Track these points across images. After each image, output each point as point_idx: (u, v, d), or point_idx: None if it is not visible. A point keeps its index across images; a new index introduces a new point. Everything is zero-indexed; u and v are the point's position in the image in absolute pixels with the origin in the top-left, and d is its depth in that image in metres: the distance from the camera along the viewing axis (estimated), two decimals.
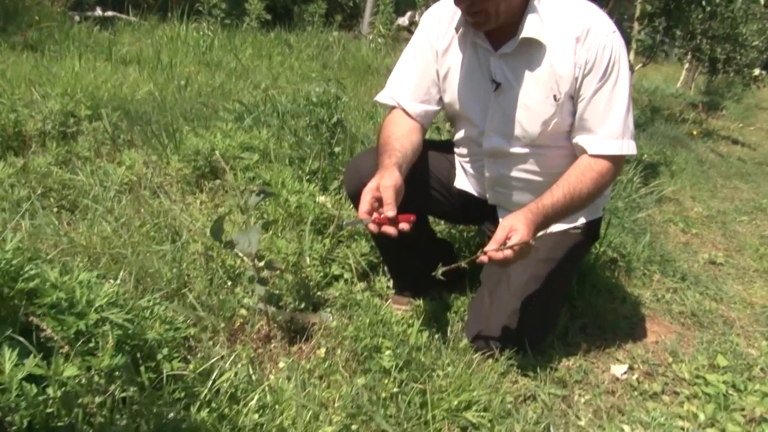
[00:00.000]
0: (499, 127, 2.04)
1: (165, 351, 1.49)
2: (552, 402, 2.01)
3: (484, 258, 1.73)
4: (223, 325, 1.90)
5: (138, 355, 1.46)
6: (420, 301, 2.34)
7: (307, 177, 2.91)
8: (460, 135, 2.19)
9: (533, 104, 1.95)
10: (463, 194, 2.29)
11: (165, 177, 3.02)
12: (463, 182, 2.28)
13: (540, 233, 1.86)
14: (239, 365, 1.74)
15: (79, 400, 1.25)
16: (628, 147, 1.95)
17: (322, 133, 2.97)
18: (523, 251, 1.75)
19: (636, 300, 2.83)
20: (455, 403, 1.79)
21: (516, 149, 2.05)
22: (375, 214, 1.73)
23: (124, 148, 3.12)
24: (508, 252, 1.71)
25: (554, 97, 1.93)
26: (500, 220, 2.21)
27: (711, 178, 5.96)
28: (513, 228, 1.74)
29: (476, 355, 2.07)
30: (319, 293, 2.27)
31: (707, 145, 7.82)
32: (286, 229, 2.56)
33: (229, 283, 2.15)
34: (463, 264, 1.75)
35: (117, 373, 1.30)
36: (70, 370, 1.24)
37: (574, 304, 2.60)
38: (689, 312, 2.80)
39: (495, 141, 2.07)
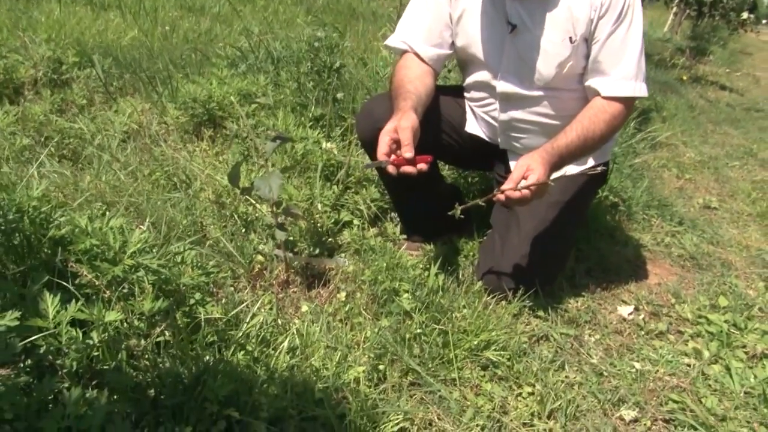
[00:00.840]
0: (513, 69, 2.02)
1: (198, 296, 1.48)
2: (564, 341, 2.05)
3: (501, 197, 1.74)
4: (242, 270, 1.90)
5: (171, 299, 1.45)
6: (431, 246, 2.36)
7: (311, 124, 2.86)
8: (472, 79, 2.17)
9: (549, 46, 1.94)
10: (474, 139, 2.29)
11: (163, 126, 2.96)
12: (474, 127, 2.28)
13: (555, 174, 1.87)
14: (264, 310, 1.75)
15: (123, 344, 1.24)
16: (640, 89, 1.96)
17: (324, 79, 2.91)
18: (540, 191, 1.76)
19: (637, 243, 2.88)
20: (475, 342, 1.83)
21: (530, 92, 2.05)
22: (393, 156, 1.73)
23: (117, 96, 3.03)
24: (525, 191, 1.72)
25: (570, 39, 1.91)
26: (511, 164, 2.24)
27: (701, 123, 6.00)
28: (530, 167, 1.74)
29: (489, 297, 2.11)
30: (332, 239, 2.27)
31: (696, 90, 7.86)
32: (293, 177, 2.54)
33: (244, 230, 2.14)
34: (481, 202, 1.77)
35: (157, 317, 1.30)
36: (113, 315, 1.24)
37: (579, 247, 2.64)
38: (688, 255, 2.85)
39: (509, 84, 2.05)
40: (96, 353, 1.19)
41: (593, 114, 1.93)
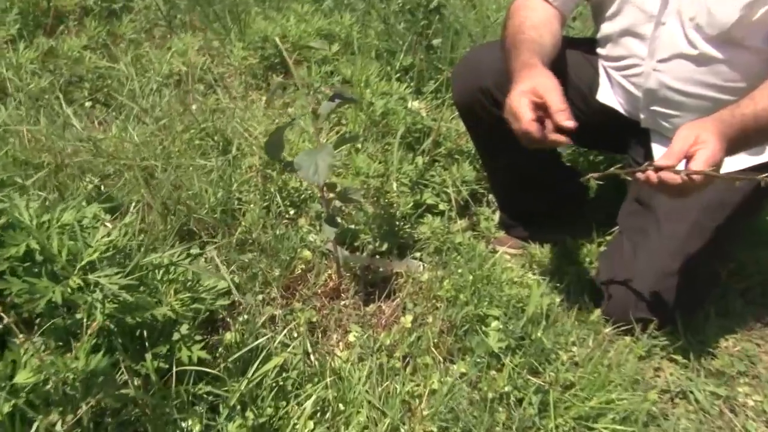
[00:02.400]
0: (676, 11, 1.43)
1: (184, 329, 1.02)
2: (710, 404, 1.50)
3: (652, 176, 1.18)
4: (277, 272, 1.42)
5: (145, 333, 0.99)
6: (535, 247, 1.81)
7: (397, 75, 2.36)
8: (613, 28, 1.59)
9: None
10: (607, 111, 1.71)
11: (227, 68, 2.52)
12: (608, 95, 1.69)
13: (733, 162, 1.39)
14: (296, 333, 1.27)
15: (37, 420, 0.80)
16: None
17: (418, 19, 2.37)
18: (707, 178, 1.18)
19: None
20: (587, 408, 1.30)
21: (695, 48, 1.44)
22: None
23: (180, 31, 2.61)
24: (692, 177, 1.15)
25: None
26: (654, 148, 1.68)
27: None
28: (699, 140, 1.18)
29: (609, 328, 1.59)
30: (407, 230, 1.75)
31: None
32: (368, 143, 2.03)
33: (292, 212, 1.66)
34: (623, 174, 1.23)
35: (97, 378, 0.84)
36: (23, 375, 0.80)
37: (732, 254, 1.99)
38: None
39: (668, 33, 1.46)
40: None
41: None
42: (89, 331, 0.88)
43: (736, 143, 1.28)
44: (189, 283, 1.04)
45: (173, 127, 1.75)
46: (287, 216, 1.66)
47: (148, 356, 0.97)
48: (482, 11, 3.09)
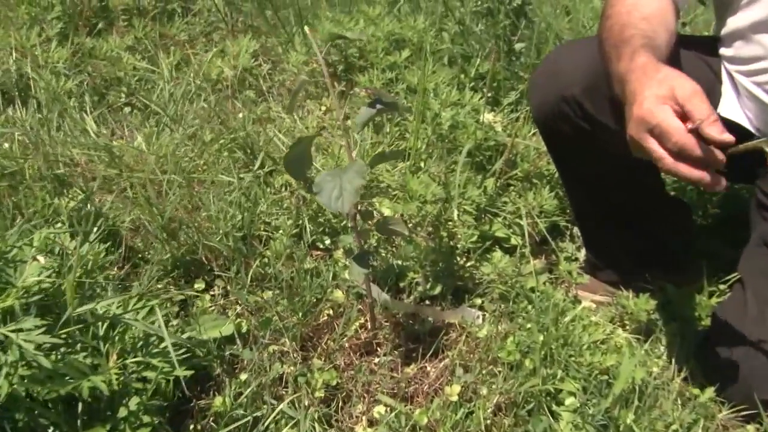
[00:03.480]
0: None
1: (133, 403, 0.75)
2: None
3: None
4: (295, 320, 1.14)
5: (80, 409, 0.74)
6: (628, 295, 1.46)
7: (472, 84, 2.07)
8: (745, 20, 1.26)
9: None
10: (729, 128, 1.33)
11: (287, 74, 2.32)
12: (734, 108, 1.35)
13: None
14: (311, 404, 0.99)
15: None
16: None
17: (499, 21, 2.07)
18: None
19: None
20: None
21: None
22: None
23: (241, 35, 2.43)
24: None
25: None
26: None
27: None
28: None
29: (725, 412, 1.24)
30: (467, 270, 1.44)
31: None
32: (432, 160, 1.73)
33: (327, 242, 1.39)
34: None
35: None
36: None
37: None
38: None
39: None
40: None
41: None
42: None
43: None
44: (144, 341, 0.78)
45: (202, 137, 1.53)
46: (321, 247, 1.39)
47: None
48: (576, 18, 2.79)
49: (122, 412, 0.75)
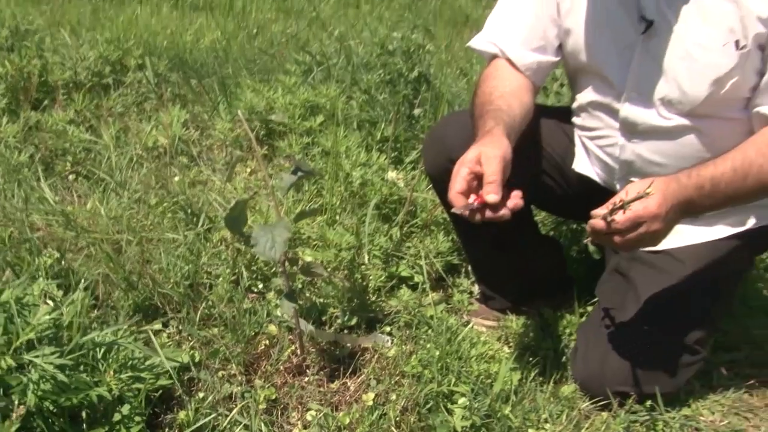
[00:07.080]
0: (645, 86, 1.44)
1: (126, 409, 0.99)
2: None
3: (598, 224, 1.23)
4: (239, 350, 1.40)
5: (84, 415, 0.97)
6: (512, 318, 1.78)
7: (378, 146, 2.37)
8: (584, 98, 1.59)
9: (701, 53, 1.35)
10: (584, 181, 1.70)
11: (213, 140, 2.56)
12: (585, 165, 1.69)
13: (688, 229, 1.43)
14: (254, 413, 1.24)
15: None
16: None
17: (399, 90, 2.40)
18: (646, 236, 1.23)
19: None
20: None
21: (666, 120, 1.45)
22: (473, 197, 1.25)
23: (170, 104, 2.66)
24: (621, 220, 1.19)
25: (736, 44, 1.32)
26: None
27: None
28: (641, 192, 1.20)
29: (585, 403, 1.54)
30: (378, 304, 1.73)
31: None
32: (345, 213, 2.03)
33: (260, 286, 1.65)
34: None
35: None
36: None
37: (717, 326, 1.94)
38: None
39: (637, 108, 1.47)
40: None
41: (764, 144, 1.34)
42: (15, 414, 0.85)
43: (686, 205, 1.28)
44: (132, 361, 1.02)
45: (147, 201, 1.77)
46: (256, 290, 1.65)
47: None
48: (473, 80, 3.15)
49: (116, 417, 0.99)
